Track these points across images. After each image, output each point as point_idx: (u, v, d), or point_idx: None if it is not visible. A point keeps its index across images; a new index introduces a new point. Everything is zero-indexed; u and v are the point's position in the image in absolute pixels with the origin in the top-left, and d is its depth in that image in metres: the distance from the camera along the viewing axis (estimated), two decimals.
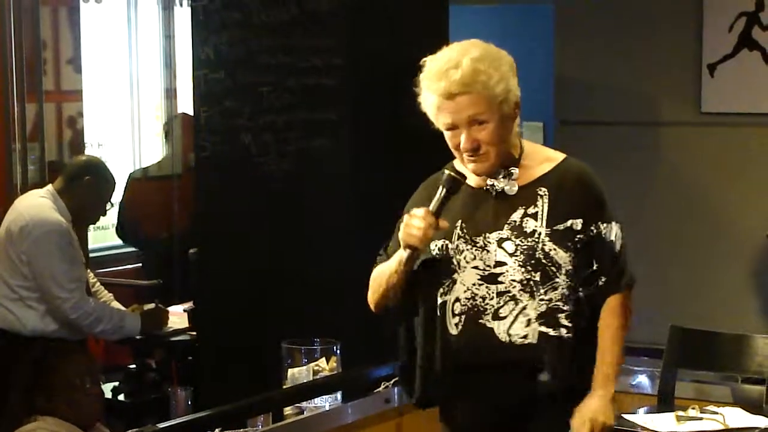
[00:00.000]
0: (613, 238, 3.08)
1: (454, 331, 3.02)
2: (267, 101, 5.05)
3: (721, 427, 3.86)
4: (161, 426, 3.13)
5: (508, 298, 3.01)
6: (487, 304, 3.01)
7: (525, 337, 2.99)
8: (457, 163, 3.12)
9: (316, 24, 4.93)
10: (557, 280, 3.00)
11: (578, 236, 3.03)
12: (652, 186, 6.14)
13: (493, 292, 3.01)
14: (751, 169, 5.80)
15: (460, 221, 3.05)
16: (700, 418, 3.90)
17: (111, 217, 6.89)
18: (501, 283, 3.01)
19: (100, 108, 7.61)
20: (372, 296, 3.16)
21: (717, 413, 3.93)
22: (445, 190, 3.00)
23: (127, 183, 6.98)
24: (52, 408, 3.65)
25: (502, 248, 3.02)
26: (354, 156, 4.94)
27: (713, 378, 4.46)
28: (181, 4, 7.81)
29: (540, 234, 3.02)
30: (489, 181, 3.07)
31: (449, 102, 2.99)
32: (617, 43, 6.10)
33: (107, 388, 5.41)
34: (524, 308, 3.00)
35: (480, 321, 3.01)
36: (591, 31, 6.17)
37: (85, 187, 5.12)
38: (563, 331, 3.00)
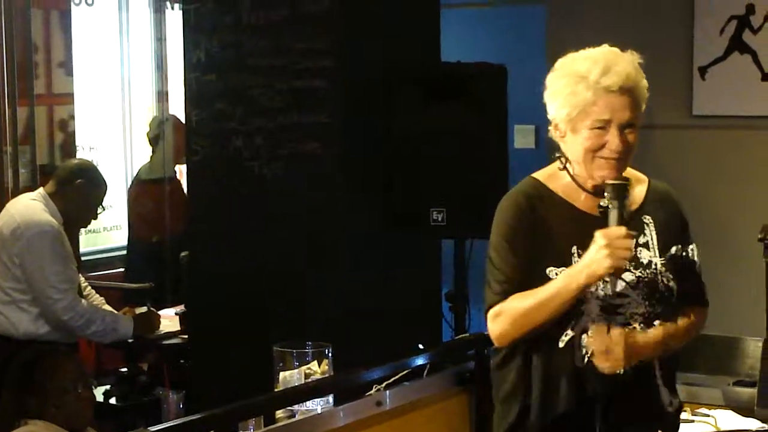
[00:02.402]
0: (696, 258, 3.06)
1: (579, 363, 2.91)
2: (258, 104, 5.05)
3: (713, 429, 3.86)
4: (153, 429, 3.12)
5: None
6: None
7: (640, 362, 2.94)
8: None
9: (307, 27, 4.93)
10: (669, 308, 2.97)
11: (676, 262, 2.99)
12: None
13: (612, 325, 2.91)
14: (743, 172, 5.80)
15: (575, 247, 2.89)
16: (692, 421, 3.89)
17: (102, 221, 6.89)
18: (620, 314, 2.90)
19: (92, 111, 7.60)
20: (517, 331, 2.90)
21: (708, 416, 3.93)
22: (618, 201, 2.83)
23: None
24: (42, 411, 3.63)
25: (621, 278, 2.88)
26: (345, 158, 4.94)
27: (704, 380, 4.45)
28: (172, 7, 7.80)
29: (657, 265, 2.94)
30: (603, 203, 2.89)
31: (613, 97, 2.84)
32: (609, 45, 6.10)
33: (99, 392, 5.41)
34: None
35: None
36: (583, 33, 6.16)
37: (76, 191, 5.12)
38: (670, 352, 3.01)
